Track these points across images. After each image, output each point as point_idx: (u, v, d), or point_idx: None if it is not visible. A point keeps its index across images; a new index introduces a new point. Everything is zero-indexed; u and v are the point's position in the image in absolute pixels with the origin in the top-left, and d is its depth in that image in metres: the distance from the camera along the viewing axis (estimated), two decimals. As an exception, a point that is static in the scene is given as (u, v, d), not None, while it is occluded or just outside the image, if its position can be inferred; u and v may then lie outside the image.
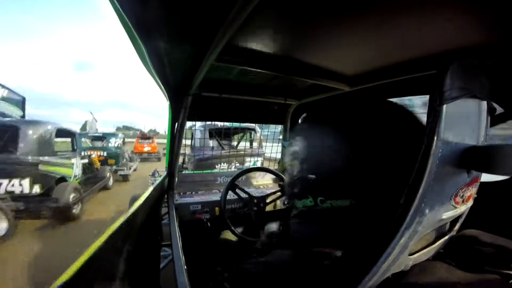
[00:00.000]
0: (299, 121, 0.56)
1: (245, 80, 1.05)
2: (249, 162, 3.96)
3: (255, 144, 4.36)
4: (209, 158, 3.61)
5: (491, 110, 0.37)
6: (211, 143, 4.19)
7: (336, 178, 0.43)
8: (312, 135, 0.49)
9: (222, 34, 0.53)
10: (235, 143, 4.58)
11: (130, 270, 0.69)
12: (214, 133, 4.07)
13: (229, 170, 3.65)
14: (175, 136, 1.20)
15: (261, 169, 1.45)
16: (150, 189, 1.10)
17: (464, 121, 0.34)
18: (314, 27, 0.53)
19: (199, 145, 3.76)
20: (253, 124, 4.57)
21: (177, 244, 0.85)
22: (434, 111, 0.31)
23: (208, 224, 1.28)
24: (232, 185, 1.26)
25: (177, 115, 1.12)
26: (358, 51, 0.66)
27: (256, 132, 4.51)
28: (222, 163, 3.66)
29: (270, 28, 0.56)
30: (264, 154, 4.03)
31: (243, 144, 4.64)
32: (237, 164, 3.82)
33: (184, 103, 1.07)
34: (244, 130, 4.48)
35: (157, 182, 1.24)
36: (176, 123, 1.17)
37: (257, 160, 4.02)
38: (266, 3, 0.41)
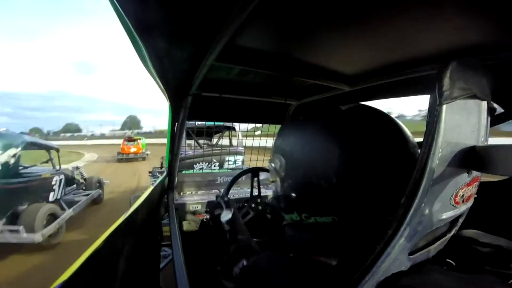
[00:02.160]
0: (276, 137, 0.52)
1: (245, 80, 1.05)
2: (229, 161, 3.85)
3: (234, 143, 4.25)
4: (186, 158, 3.49)
5: (491, 110, 0.37)
6: (193, 142, 4.20)
7: (318, 194, 0.42)
8: (289, 152, 0.47)
9: (222, 34, 0.53)
10: (216, 142, 4.55)
11: (130, 270, 0.69)
12: (192, 132, 4.00)
13: (212, 170, 3.58)
14: (175, 136, 1.21)
15: (262, 169, 1.45)
16: (150, 189, 1.10)
17: (464, 121, 0.34)
18: (314, 27, 0.53)
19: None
20: (233, 123, 4.67)
21: (177, 244, 0.85)
22: (434, 111, 0.31)
23: (210, 223, 1.28)
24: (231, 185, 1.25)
25: (177, 115, 1.13)
26: (358, 51, 0.66)
27: (235, 131, 4.34)
28: (200, 163, 3.56)
29: (270, 28, 0.56)
30: (244, 152, 3.96)
31: (224, 143, 4.55)
32: (217, 164, 3.72)
33: (184, 103, 1.07)
34: (222, 128, 4.34)
35: (157, 182, 1.24)
36: (176, 123, 1.17)
37: (237, 159, 3.90)
38: (266, 3, 0.41)
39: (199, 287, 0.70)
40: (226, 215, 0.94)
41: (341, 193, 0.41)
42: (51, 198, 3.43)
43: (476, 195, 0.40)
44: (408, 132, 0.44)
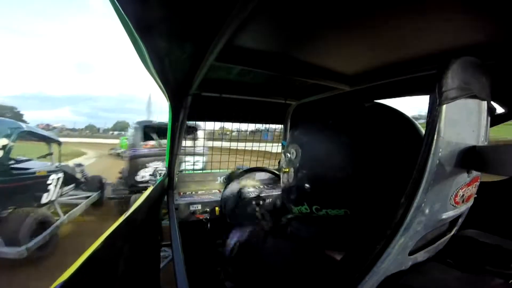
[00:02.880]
0: (293, 128, 0.53)
1: (245, 80, 1.05)
2: (188, 161, 3.78)
3: (198, 143, 4.04)
4: (140, 156, 3.59)
5: (491, 110, 0.37)
6: (154, 141, 4.07)
7: (332, 187, 0.43)
8: (307, 143, 0.48)
9: (222, 34, 0.53)
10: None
11: (130, 270, 0.69)
12: (152, 131, 3.97)
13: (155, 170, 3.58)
14: (175, 136, 1.20)
15: (263, 169, 1.45)
16: (150, 189, 1.10)
17: (464, 121, 0.34)
18: (314, 27, 0.53)
19: (132, 142, 3.71)
20: (196, 123, 4.60)
21: (177, 244, 0.85)
22: (434, 111, 0.31)
23: (208, 224, 1.28)
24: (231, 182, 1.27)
25: (177, 115, 1.12)
26: (358, 51, 0.66)
27: (198, 131, 4.13)
28: (155, 161, 3.63)
29: (270, 28, 0.56)
30: (205, 154, 3.76)
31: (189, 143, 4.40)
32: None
33: (184, 103, 1.07)
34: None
35: (157, 182, 1.24)
36: (176, 123, 1.17)
37: (197, 161, 3.74)
38: (266, 3, 0.41)
39: (199, 287, 0.70)
40: (235, 185, 0.96)
41: (357, 186, 0.41)
42: (44, 200, 2.88)
43: (476, 195, 0.40)
44: (421, 129, 0.45)
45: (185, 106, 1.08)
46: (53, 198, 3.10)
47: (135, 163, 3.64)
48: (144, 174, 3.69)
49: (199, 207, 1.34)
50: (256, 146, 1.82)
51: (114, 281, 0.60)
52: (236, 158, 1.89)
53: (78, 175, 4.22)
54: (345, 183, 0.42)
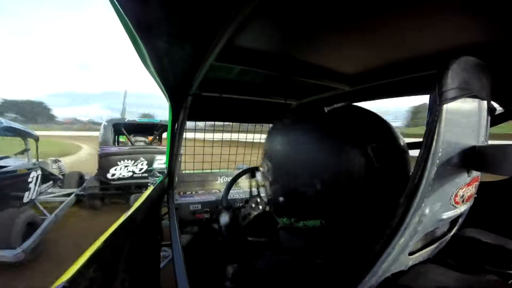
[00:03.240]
0: (265, 140, 0.51)
1: (245, 80, 1.05)
2: (159, 160, 3.86)
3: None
4: (110, 154, 3.61)
5: (491, 110, 0.37)
6: (129, 139, 4.14)
7: (304, 199, 0.42)
8: (275, 155, 0.46)
9: (222, 34, 0.53)
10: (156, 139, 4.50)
11: (130, 270, 0.69)
12: (122, 129, 3.99)
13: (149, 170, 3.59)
14: (175, 136, 1.21)
15: (249, 170, 1.44)
16: (150, 189, 1.11)
17: (464, 121, 0.34)
18: (314, 27, 0.53)
19: (101, 140, 3.72)
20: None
21: (177, 244, 0.85)
22: (434, 111, 0.31)
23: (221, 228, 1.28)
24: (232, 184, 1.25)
25: (177, 115, 1.13)
26: (358, 51, 0.66)
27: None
28: (126, 160, 3.65)
29: (270, 28, 0.56)
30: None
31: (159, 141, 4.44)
32: (145, 162, 3.76)
33: (184, 103, 1.07)
34: (155, 126, 4.31)
35: (157, 182, 1.24)
36: (176, 123, 1.17)
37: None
38: (266, 3, 0.41)
39: (199, 287, 0.70)
40: (224, 218, 0.95)
41: (327, 198, 0.40)
42: (25, 199, 2.75)
43: (476, 195, 0.40)
44: (397, 132, 0.44)
45: (185, 106, 1.08)
46: (33, 197, 2.99)
47: (106, 161, 3.66)
48: (114, 172, 3.69)
49: (199, 207, 1.34)
50: (254, 139, 1.78)
51: (114, 281, 0.60)
52: (237, 156, 1.88)
53: (56, 171, 4.08)
54: (316, 194, 0.40)
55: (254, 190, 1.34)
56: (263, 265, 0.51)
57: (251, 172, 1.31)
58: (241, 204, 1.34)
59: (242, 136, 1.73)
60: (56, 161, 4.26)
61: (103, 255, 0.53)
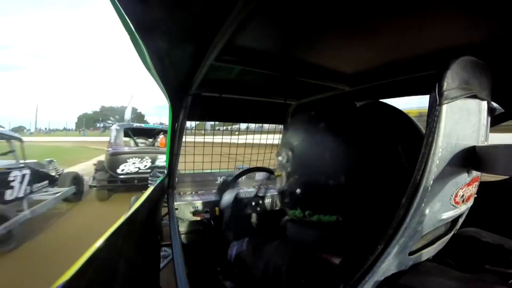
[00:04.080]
0: (284, 130, 0.51)
1: (245, 80, 1.05)
2: (160, 159, 4.66)
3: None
4: (121, 153, 4.42)
5: (491, 110, 0.38)
6: (131, 141, 5.00)
7: (323, 193, 0.41)
8: (298, 146, 0.46)
9: (222, 34, 0.53)
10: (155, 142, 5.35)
11: (130, 270, 0.69)
12: (131, 132, 4.88)
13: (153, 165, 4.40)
14: (175, 136, 1.20)
15: (263, 169, 1.45)
16: (150, 189, 1.11)
17: (464, 121, 0.34)
18: (314, 27, 0.53)
19: (113, 141, 4.50)
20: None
21: (177, 244, 0.85)
22: (434, 111, 0.31)
23: (211, 222, 1.28)
24: (230, 185, 1.26)
25: (177, 115, 1.12)
26: (358, 51, 0.66)
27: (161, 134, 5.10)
28: (133, 158, 4.46)
29: (270, 28, 0.56)
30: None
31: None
32: (149, 160, 4.59)
33: (184, 103, 1.07)
34: (155, 130, 5.29)
35: (157, 182, 1.24)
36: (176, 123, 1.17)
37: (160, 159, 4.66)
38: (266, 3, 0.41)
39: (199, 287, 0.70)
40: (228, 196, 0.95)
41: (348, 193, 0.40)
42: (9, 196, 2.90)
43: (476, 195, 0.40)
44: (421, 128, 0.43)
45: (185, 106, 1.08)
46: (21, 195, 3.11)
47: (117, 158, 4.41)
48: (124, 168, 4.43)
49: (199, 207, 1.34)
50: (253, 139, 1.79)
51: (114, 281, 0.60)
52: (237, 155, 1.88)
53: (52, 172, 4.28)
54: (337, 189, 0.40)
55: (257, 190, 1.35)
56: (266, 248, 0.50)
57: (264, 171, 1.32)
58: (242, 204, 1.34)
59: (241, 137, 1.73)
60: (51, 162, 4.45)
61: (103, 255, 0.53)
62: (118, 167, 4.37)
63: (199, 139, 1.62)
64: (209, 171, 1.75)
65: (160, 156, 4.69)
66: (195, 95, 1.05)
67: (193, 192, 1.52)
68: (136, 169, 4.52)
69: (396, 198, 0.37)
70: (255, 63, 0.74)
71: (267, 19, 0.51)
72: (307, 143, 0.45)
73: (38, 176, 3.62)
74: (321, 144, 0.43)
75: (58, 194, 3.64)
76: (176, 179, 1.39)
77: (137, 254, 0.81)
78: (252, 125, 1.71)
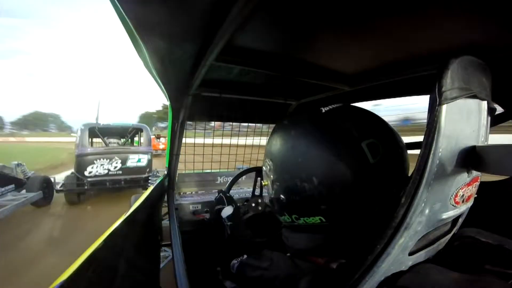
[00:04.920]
0: (267, 141, 0.53)
1: (245, 80, 1.05)
2: (132, 159, 4.48)
3: (145, 142, 4.85)
4: (87, 154, 4.19)
5: (491, 110, 0.37)
6: (101, 141, 4.85)
7: (303, 197, 0.43)
8: (276, 155, 0.48)
9: (222, 34, 0.53)
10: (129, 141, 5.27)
11: (130, 270, 0.69)
12: (98, 132, 4.64)
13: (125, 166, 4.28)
14: (175, 136, 1.20)
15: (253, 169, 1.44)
16: (150, 189, 1.11)
17: (464, 121, 0.34)
18: (314, 27, 0.53)
19: (78, 142, 4.27)
20: (142, 124, 5.39)
21: (177, 244, 0.85)
22: (434, 111, 0.31)
23: (212, 222, 1.28)
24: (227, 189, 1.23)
25: (177, 115, 1.12)
26: (358, 51, 0.66)
27: (143, 132, 4.96)
28: (101, 159, 4.22)
29: (270, 28, 0.56)
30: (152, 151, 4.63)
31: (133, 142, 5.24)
32: (119, 161, 4.35)
33: (184, 103, 1.07)
34: (127, 129, 5.04)
35: (157, 182, 1.24)
36: (176, 123, 1.17)
37: (141, 158, 4.58)
38: (266, 3, 0.41)
39: (199, 287, 0.70)
40: (227, 211, 0.95)
41: (324, 195, 0.41)
42: None
43: (476, 195, 0.40)
44: (394, 129, 0.44)
45: (185, 106, 1.08)
46: None
47: (83, 160, 4.18)
48: (91, 170, 4.19)
49: (199, 207, 1.34)
50: (251, 140, 1.79)
51: (114, 280, 0.60)
52: (236, 157, 1.88)
53: (20, 175, 4.12)
54: (314, 191, 0.41)
55: (256, 190, 1.35)
56: (263, 261, 0.51)
57: (256, 171, 1.31)
58: (240, 204, 1.34)
59: (241, 137, 1.73)
60: (19, 165, 4.29)
61: (103, 255, 0.53)
62: (85, 169, 4.13)
63: (199, 140, 1.62)
64: (209, 171, 1.75)
65: (131, 156, 4.46)
66: (195, 95, 1.05)
67: (193, 192, 1.52)
68: (106, 171, 4.27)
69: (370, 193, 0.39)
70: (255, 63, 0.74)
71: (267, 19, 0.51)
72: (283, 151, 0.47)
73: (5, 179, 3.59)
74: (295, 151, 0.45)
75: (22, 199, 3.43)
76: (176, 179, 1.39)
77: (137, 254, 0.81)
78: (245, 125, 1.70)
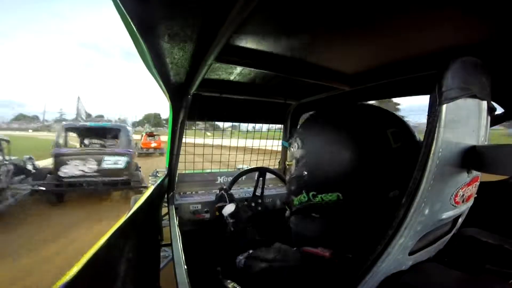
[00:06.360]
0: (301, 125, 0.60)
1: (245, 80, 1.05)
2: (107, 161, 4.42)
3: (122, 144, 4.82)
4: (62, 155, 4.23)
5: (491, 110, 0.38)
6: (80, 141, 4.91)
7: (325, 172, 0.48)
8: (307, 135, 0.54)
9: (222, 34, 0.53)
10: (108, 142, 5.19)
11: (130, 270, 0.69)
12: (74, 132, 4.69)
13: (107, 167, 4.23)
14: (175, 136, 1.20)
15: (268, 170, 1.44)
16: (150, 189, 1.10)
17: (464, 121, 0.34)
18: (314, 27, 0.54)
19: (55, 142, 4.35)
20: (123, 124, 5.43)
21: (177, 244, 0.85)
22: (434, 111, 0.31)
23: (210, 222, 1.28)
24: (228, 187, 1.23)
25: (177, 115, 1.12)
26: (358, 51, 0.66)
27: (121, 132, 4.89)
28: (76, 160, 4.21)
29: (270, 28, 0.56)
30: (131, 153, 4.54)
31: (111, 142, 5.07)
32: (94, 162, 4.29)
33: (184, 103, 1.07)
34: (106, 129, 5.02)
35: (157, 182, 1.24)
36: (176, 123, 1.17)
37: (118, 160, 4.48)
38: (266, 3, 0.41)
39: (199, 287, 0.70)
40: (230, 208, 0.95)
41: (348, 171, 0.45)
42: None
43: (476, 195, 0.40)
44: (409, 125, 0.50)
45: (185, 106, 1.08)
46: (4, 186, 3.73)
47: (58, 160, 4.22)
48: (66, 171, 4.18)
49: (199, 207, 1.34)
50: (253, 143, 1.80)
51: (114, 281, 0.60)
52: (236, 157, 1.88)
53: (29, 167, 4.75)
54: (337, 168, 0.46)
55: (256, 190, 1.35)
56: (269, 255, 0.53)
57: (259, 171, 1.32)
58: (240, 204, 1.34)
59: (241, 138, 1.73)
60: (30, 159, 4.86)
61: (104, 255, 0.53)
62: (60, 170, 4.14)
63: (199, 140, 1.62)
64: (208, 171, 1.75)
65: (107, 158, 4.37)
66: (195, 95, 1.05)
67: (193, 192, 1.51)
68: (81, 172, 4.21)
69: (391, 176, 0.44)
70: (255, 63, 0.74)
71: (267, 19, 0.51)
72: (315, 130, 0.54)
73: (20, 170, 4.29)
74: (325, 130, 0.52)
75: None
76: (176, 179, 1.39)
77: (137, 254, 0.81)
78: (244, 125, 1.71)
